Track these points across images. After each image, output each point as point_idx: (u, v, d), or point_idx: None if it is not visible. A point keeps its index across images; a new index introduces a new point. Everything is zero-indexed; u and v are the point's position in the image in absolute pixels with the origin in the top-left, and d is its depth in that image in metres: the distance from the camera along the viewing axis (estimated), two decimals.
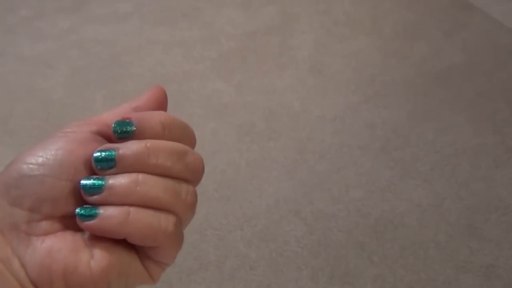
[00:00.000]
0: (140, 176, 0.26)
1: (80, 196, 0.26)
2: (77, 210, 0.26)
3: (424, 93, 1.47)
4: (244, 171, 1.24)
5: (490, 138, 1.31)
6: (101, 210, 0.25)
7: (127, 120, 0.27)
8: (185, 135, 0.30)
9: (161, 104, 0.31)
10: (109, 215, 0.25)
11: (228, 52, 1.65)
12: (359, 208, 1.15)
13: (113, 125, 0.27)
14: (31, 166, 0.25)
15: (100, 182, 0.26)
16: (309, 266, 1.04)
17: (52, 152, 0.26)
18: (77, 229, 0.26)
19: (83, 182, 0.26)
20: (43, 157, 0.26)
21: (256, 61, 1.61)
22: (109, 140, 0.28)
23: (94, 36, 1.74)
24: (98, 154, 0.26)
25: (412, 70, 1.56)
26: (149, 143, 0.27)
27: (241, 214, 1.14)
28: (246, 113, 1.41)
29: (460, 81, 1.51)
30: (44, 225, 0.25)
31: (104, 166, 0.26)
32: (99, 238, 0.26)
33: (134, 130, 0.27)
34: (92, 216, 0.25)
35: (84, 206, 0.26)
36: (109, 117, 0.29)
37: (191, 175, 0.28)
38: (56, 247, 0.25)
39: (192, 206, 0.28)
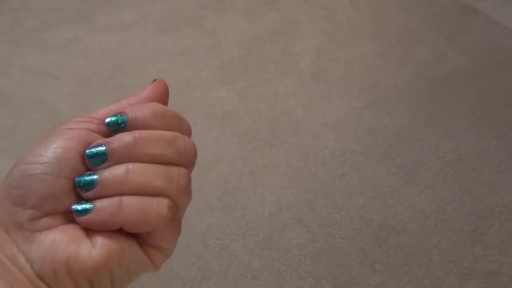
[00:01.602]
0: (130, 165, 0.27)
1: None
2: (72, 207, 0.27)
3: (426, 98, 1.46)
4: (247, 179, 1.24)
5: (494, 143, 1.30)
6: (95, 204, 0.26)
7: (119, 114, 0.29)
8: (179, 125, 0.30)
9: (162, 98, 0.32)
10: (102, 207, 0.26)
11: (231, 59, 1.66)
12: (362, 215, 1.15)
13: (106, 120, 0.29)
14: (32, 165, 0.27)
15: (92, 177, 0.27)
16: (312, 275, 1.04)
17: (51, 151, 0.27)
18: None
19: (76, 179, 0.27)
20: (43, 156, 0.27)
21: (258, 68, 1.62)
22: (106, 136, 0.29)
23: (98, 46, 1.76)
24: (90, 151, 0.28)
25: (415, 75, 1.55)
26: (137, 133, 0.28)
27: (244, 223, 1.14)
28: (248, 120, 1.42)
29: (463, 86, 1.50)
30: (46, 220, 0.26)
31: (96, 161, 0.27)
32: None
33: (126, 121, 0.28)
34: (87, 211, 0.26)
35: (80, 201, 0.27)
36: (106, 113, 0.30)
37: (183, 160, 0.29)
38: (58, 239, 0.26)
39: (186, 188, 0.29)
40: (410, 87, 1.51)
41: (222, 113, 1.44)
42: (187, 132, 0.31)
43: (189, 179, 0.29)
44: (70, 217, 0.27)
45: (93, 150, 0.27)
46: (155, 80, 0.33)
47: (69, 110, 1.49)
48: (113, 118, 0.29)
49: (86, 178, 0.27)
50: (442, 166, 1.25)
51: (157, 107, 0.30)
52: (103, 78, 1.61)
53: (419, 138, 1.34)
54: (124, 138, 0.28)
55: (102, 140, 0.28)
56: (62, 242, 0.26)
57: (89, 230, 0.27)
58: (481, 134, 1.33)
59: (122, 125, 0.28)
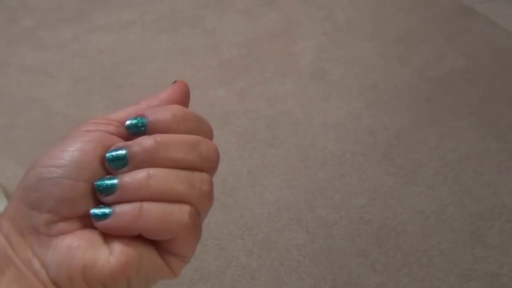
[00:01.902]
0: (152, 171, 0.26)
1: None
2: (91, 211, 0.26)
3: (426, 99, 1.46)
4: (246, 179, 1.23)
5: (494, 144, 1.30)
6: (114, 208, 0.26)
7: (140, 117, 0.28)
8: (200, 127, 0.29)
9: (183, 99, 0.31)
10: (122, 212, 0.25)
11: (230, 59, 1.66)
12: (362, 216, 1.15)
13: (126, 122, 0.28)
14: (49, 169, 0.26)
15: (112, 181, 0.26)
16: (311, 275, 1.03)
17: (69, 154, 0.26)
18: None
19: (96, 183, 0.26)
20: (61, 159, 0.26)
21: (258, 68, 1.61)
22: (125, 138, 0.28)
23: (96, 45, 1.75)
24: (110, 154, 0.27)
25: (415, 76, 1.55)
26: (158, 137, 0.27)
27: (242, 223, 1.13)
28: (247, 120, 1.41)
29: (463, 86, 1.50)
30: (63, 225, 0.25)
31: (117, 165, 0.26)
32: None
33: (146, 125, 0.28)
34: (106, 216, 0.25)
35: (99, 206, 0.26)
36: (125, 115, 0.29)
37: (206, 164, 0.28)
38: (75, 244, 0.25)
39: (208, 195, 0.28)
40: (410, 87, 1.50)
41: (221, 113, 1.43)
42: (209, 134, 0.30)
43: (212, 184, 0.28)
44: (87, 221, 0.26)
45: (113, 153, 0.27)
46: (175, 81, 0.32)
47: (66, 109, 1.47)
48: (133, 121, 0.28)
49: (106, 182, 0.26)
50: (442, 166, 1.25)
51: (178, 109, 0.29)
52: (101, 77, 1.60)
53: (419, 138, 1.33)
54: (145, 142, 0.27)
55: (122, 143, 0.27)
56: (79, 247, 0.25)
57: (107, 236, 0.26)
58: (481, 135, 1.33)
59: (143, 128, 0.28)
